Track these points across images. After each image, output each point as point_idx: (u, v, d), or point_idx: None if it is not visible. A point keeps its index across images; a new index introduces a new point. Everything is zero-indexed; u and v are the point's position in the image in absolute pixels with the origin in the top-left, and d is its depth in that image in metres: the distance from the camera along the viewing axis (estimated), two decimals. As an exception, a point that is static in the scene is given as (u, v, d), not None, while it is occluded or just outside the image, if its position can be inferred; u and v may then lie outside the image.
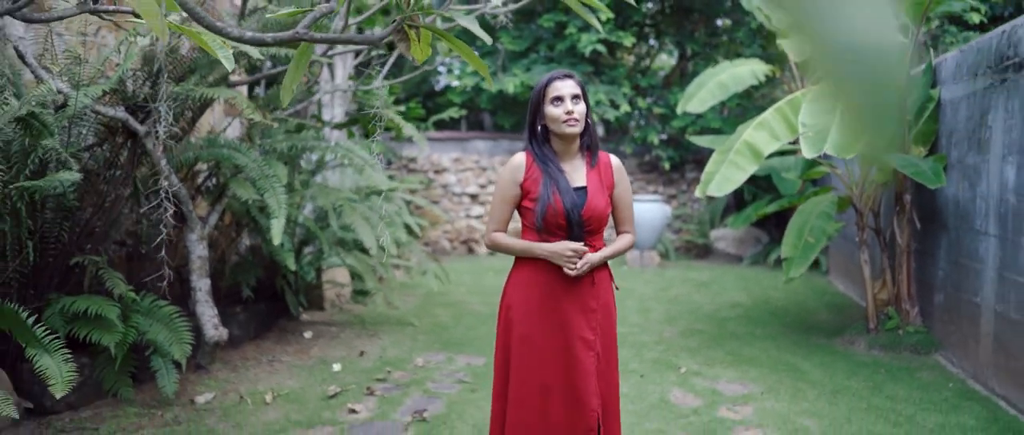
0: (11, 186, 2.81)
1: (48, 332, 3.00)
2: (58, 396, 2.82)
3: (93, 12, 2.20)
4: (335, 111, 7.64)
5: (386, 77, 5.74)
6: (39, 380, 2.94)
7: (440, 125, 10.38)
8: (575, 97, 2.28)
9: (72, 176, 2.83)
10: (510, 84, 9.06)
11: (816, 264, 8.55)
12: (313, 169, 5.16)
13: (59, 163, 2.96)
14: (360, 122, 6.22)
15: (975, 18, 7.65)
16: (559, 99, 2.26)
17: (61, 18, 2.12)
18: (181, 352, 3.58)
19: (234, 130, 5.31)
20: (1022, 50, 3.70)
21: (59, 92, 3.03)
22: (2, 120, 2.48)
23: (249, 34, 1.51)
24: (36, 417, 3.35)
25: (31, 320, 3.02)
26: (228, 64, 1.94)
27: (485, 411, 3.57)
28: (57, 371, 2.78)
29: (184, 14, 1.83)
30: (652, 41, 10.82)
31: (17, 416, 2.63)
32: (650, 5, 10.17)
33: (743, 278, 7.88)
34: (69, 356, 2.90)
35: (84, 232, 3.67)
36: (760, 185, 9.33)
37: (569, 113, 2.24)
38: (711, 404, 3.76)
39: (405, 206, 6.46)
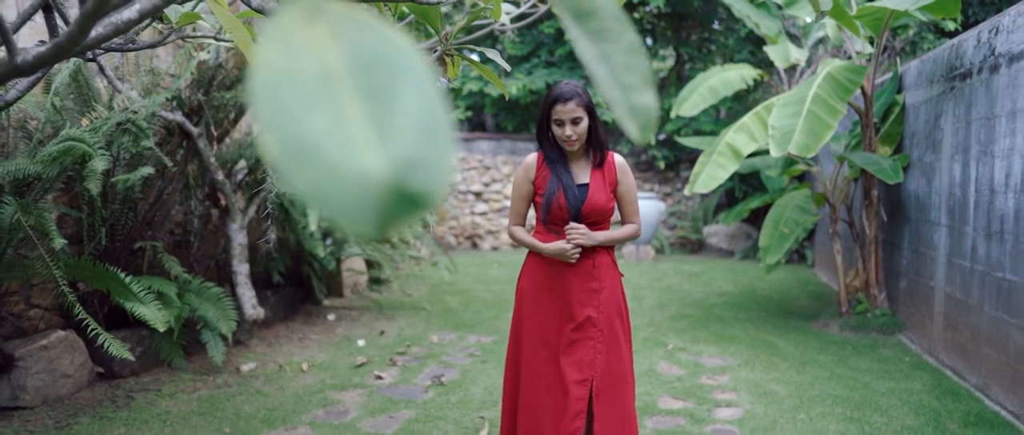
0: (113, 179, 3.33)
1: (139, 288, 3.52)
2: (161, 329, 3.34)
3: (182, 38, 2.71)
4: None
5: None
6: (108, 351, 3.46)
7: (446, 126, 10.86)
8: (575, 120, 2.50)
9: (148, 171, 3.35)
10: (513, 87, 9.58)
11: (802, 257, 9.07)
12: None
13: (140, 159, 3.47)
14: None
15: (951, 26, 8.15)
16: (560, 122, 2.52)
17: (155, 46, 2.63)
18: (227, 327, 4.09)
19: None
20: (966, 62, 4.21)
21: (132, 100, 3.55)
22: (109, 125, 3.00)
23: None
24: (107, 380, 3.87)
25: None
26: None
27: (494, 378, 4.09)
28: (155, 315, 3.30)
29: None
30: (648, 45, 11.32)
31: (133, 357, 3.20)
32: (647, 10, 10.66)
33: (733, 270, 8.39)
34: (160, 306, 3.42)
35: (144, 221, 4.18)
36: (751, 183, 9.84)
37: (568, 137, 2.53)
38: (693, 373, 4.27)
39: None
